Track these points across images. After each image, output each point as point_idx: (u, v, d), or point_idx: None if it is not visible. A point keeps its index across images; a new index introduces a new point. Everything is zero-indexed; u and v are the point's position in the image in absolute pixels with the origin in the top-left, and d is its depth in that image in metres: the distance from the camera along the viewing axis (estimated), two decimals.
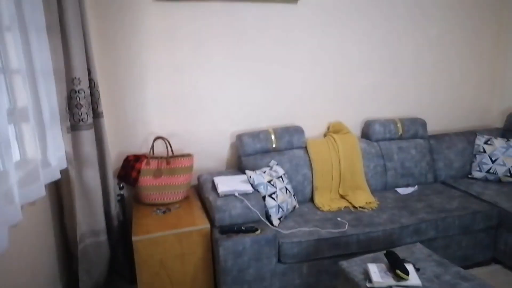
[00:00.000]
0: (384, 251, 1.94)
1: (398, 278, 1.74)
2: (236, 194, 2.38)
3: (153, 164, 2.61)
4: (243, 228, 2.24)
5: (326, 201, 2.78)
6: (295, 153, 2.88)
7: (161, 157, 2.63)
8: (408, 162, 3.09)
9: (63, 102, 2.14)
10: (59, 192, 2.35)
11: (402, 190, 2.99)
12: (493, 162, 3.08)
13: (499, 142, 3.11)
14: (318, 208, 2.69)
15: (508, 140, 3.12)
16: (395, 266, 1.78)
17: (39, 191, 1.75)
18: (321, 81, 3.08)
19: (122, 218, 2.62)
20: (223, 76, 2.83)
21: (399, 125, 3.16)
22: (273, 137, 2.85)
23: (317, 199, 2.79)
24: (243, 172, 2.72)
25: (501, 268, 2.69)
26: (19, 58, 1.69)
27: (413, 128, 3.20)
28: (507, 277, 2.59)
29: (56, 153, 2.19)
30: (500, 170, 3.04)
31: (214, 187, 2.51)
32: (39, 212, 2.05)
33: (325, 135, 3.17)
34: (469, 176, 3.20)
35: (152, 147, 2.71)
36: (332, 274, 2.37)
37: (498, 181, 3.08)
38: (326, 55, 3.04)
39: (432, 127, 3.49)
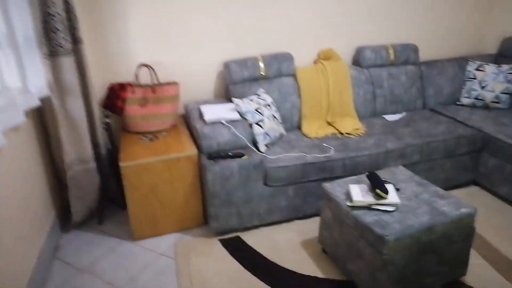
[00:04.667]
0: (366, 173, 1.99)
1: (378, 197, 1.81)
2: (223, 121, 2.38)
3: (139, 92, 2.56)
4: (230, 153, 2.28)
5: (313, 128, 2.79)
6: (284, 81, 2.84)
7: (147, 85, 2.58)
8: (397, 89, 3.07)
9: (39, 27, 2.04)
10: (44, 121, 2.34)
11: (390, 117, 3.00)
12: (482, 88, 3.06)
13: (490, 68, 3.07)
14: (305, 135, 2.72)
15: (500, 65, 3.07)
16: (376, 186, 1.84)
17: (18, 117, 1.73)
18: (311, 7, 2.93)
19: (110, 146, 2.64)
20: (209, 2, 2.68)
21: (390, 51, 3.08)
22: (261, 64, 2.78)
23: (305, 127, 2.80)
24: (230, 101, 2.70)
25: (479, 190, 2.81)
26: None
27: (405, 54, 3.12)
28: (484, 198, 2.71)
29: (35, 80, 2.14)
30: (488, 96, 3.04)
31: (201, 116, 2.50)
32: (25, 140, 2.05)
33: (315, 63, 3.10)
34: (457, 103, 3.21)
35: (137, 75, 2.64)
36: (317, 196, 2.47)
37: (486, 107, 3.09)
38: None
39: (425, 54, 3.40)
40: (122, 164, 2.19)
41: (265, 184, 2.34)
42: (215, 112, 2.46)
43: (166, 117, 2.61)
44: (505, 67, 3.04)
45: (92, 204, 2.52)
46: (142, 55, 2.67)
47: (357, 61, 3.11)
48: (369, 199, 1.81)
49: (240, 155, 2.28)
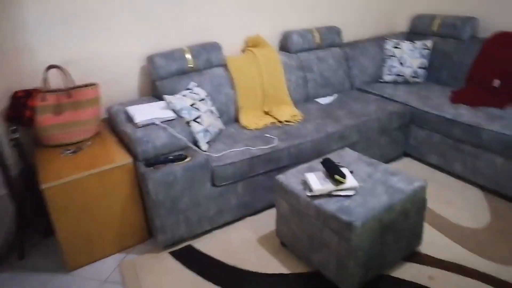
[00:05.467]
0: (321, 159, 1.94)
1: (337, 183, 1.77)
2: (157, 122, 2.14)
3: (51, 99, 2.19)
4: (170, 157, 2.06)
5: (252, 119, 2.68)
6: (215, 72, 2.67)
7: (60, 90, 2.21)
8: (327, 72, 3.10)
9: None
10: None
11: (322, 100, 3.02)
12: (401, 64, 3.23)
13: (406, 45, 3.25)
14: (245, 128, 2.59)
15: (414, 42, 3.27)
16: (332, 172, 1.79)
17: None
18: None
19: (23, 165, 2.23)
20: None
21: (316, 34, 3.08)
22: (189, 56, 2.57)
23: (243, 119, 2.68)
24: (160, 98, 2.45)
25: (411, 160, 2.98)
26: None
27: (330, 37, 3.16)
28: (418, 166, 2.88)
29: None
30: (407, 72, 3.22)
31: (130, 118, 2.22)
32: None
33: (243, 51, 2.97)
34: (380, 80, 3.35)
35: (46, 78, 2.25)
36: (267, 189, 2.37)
37: (406, 82, 3.27)
38: None
39: (347, 36, 3.48)
40: (43, 185, 1.84)
41: (213, 184, 2.17)
42: (146, 112, 2.21)
43: (88, 124, 2.28)
44: (418, 43, 3.24)
45: (8, 236, 2.11)
46: (49, 54, 2.29)
47: (285, 46, 3.05)
48: (329, 186, 1.76)
49: (182, 158, 2.07)
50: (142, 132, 2.06)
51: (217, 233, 2.28)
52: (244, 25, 2.93)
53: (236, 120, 2.72)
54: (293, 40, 2.99)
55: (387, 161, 2.93)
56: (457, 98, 2.80)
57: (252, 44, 2.94)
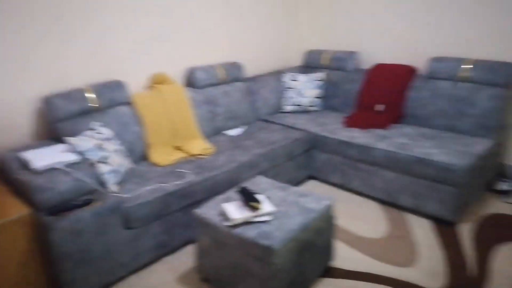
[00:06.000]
0: (237, 188, 1.99)
1: (254, 209, 1.83)
2: (60, 166, 1.98)
3: None
4: (77, 203, 1.91)
5: (162, 155, 2.64)
6: (121, 110, 2.59)
7: None
8: (233, 105, 3.22)
9: None
10: None
11: (231, 132, 3.12)
12: (299, 95, 3.53)
13: (302, 78, 3.57)
14: (156, 164, 2.54)
15: (308, 74, 3.60)
16: (249, 199, 1.85)
17: None
18: (137, 32, 2.78)
19: None
20: (12, 24, 2.20)
21: (220, 70, 3.21)
22: (91, 95, 2.46)
23: (153, 156, 2.62)
24: (60, 141, 2.28)
25: (316, 182, 3.21)
26: None
27: (233, 72, 3.31)
28: (322, 187, 3.11)
29: None
30: (305, 102, 3.52)
31: (26, 165, 2.02)
32: None
33: (149, 88, 2.95)
34: (282, 110, 3.60)
35: None
36: (184, 225, 2.33)
37: (305, 111, 3.57)
38: (142, 6, 2.75)
39: (249, 70, 3.69)
40: None
41: (126, 227, 2.06)
42: (45, 157, 2.03)
43: None
44: (313, 75, 3.58)
45: None
46: None
47: (191, 82, 3.11)
48: (247, 214, 1.80)
49: (90, 202, 1.94)
50: (43, 178, 1.89)
51: (133, 278, 2.15)
52: (148, 62, 2.92)
53: (146, 157, 2.64)
54: (198, 76, 3.07)
55: (295, 184, 3.11)
56: (349, 123, 3.14)
57: (158, 81, 2.94)
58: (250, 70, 3.72)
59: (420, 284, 2.03)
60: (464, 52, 3.03)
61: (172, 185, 2.25)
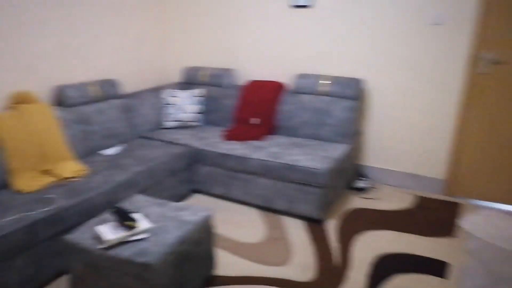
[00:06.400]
0: (111, 210, 1.94)
1: (130, 228, 1.80)
2: None
3: None
4: None
5: (28, 181, 2.41)
6: None
7: None
8: (109, 123, 3.11)
9: None
10: None
11: (107, 151, 3.00)
12: (179, 111, 3.58)
13: (181, 94, 3.63)
14: (20, 192, 2.31)
15: (188, 90, 3.68)
16: (123, 219, 1.83)
17: None
18: None
19: None
20: None
21: (93, 87, 3.08)
22: None
23: (18, 182, 2.37)
24: None
25: (200, 195, 3.28)
26: None
27: (108, 90, 3.21)
28: (206, 199, 3.20)
29: None
30: (185, 117, 3.58)
31: None
32: None
33: (9, 108, 2.67)
34: (162, 127, 3.60)
35: None
36: (56, 255, 2.16)
37: (186, 126, 3.63)
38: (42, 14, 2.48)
39: (128, 87, 3.60)
40: None
41: None
42: None
43: None
44: (192, 91, 3.67)
45: None
46: None
47: (60, 101, 2.91)
48: (122, 233, 1.77)
49: None
50: None
51: None
52: (6, 81, 2.65)
53: (8, 185, 2.38)
54: (68, 94, 2.90)
55: (179, 199, 3.14)
56: (228, 136, 3.30)
57: (20, 100, 2.68)
58: (128, 87, 3.65)
59: (293, 279, 2.24)
60: (325, 69, 3.48)
61: (38, 212, 2.07)
